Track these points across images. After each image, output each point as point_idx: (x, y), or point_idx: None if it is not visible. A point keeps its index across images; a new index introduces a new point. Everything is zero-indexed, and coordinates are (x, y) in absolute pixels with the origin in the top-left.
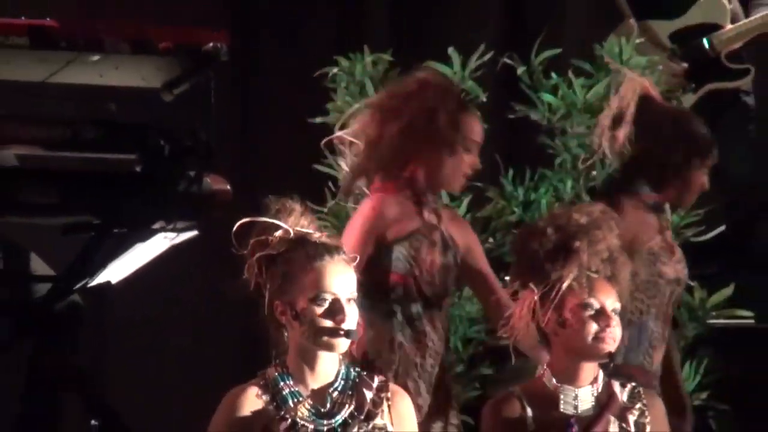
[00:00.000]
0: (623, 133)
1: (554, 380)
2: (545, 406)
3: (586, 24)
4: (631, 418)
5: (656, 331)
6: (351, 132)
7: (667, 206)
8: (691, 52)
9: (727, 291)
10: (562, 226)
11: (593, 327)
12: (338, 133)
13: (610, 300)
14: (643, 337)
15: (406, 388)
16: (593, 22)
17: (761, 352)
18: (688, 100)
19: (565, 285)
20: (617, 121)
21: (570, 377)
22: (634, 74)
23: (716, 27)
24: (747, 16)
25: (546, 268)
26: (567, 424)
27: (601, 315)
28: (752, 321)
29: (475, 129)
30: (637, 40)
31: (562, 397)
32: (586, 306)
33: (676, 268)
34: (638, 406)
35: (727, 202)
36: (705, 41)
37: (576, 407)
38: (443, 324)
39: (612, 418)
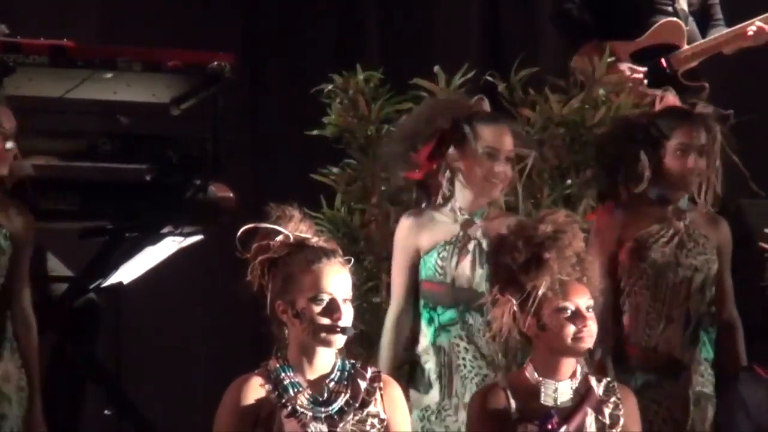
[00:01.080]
0: None
1: (536, 374)
2: (527, 398)
3: (560, 44)
4: (607, 411)
5: (652, 313)
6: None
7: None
8: (651, 70)
9: None
10: (530, 237)
11: (571, 329)
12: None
13: (583, 300)
14: (640, 317)
15: None
16: (567, 43)
17: None
18: None
19: (539, 294)
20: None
21: (551, 371)
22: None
23: (674, 47)
24: (704, 36)
25: (520, 279)
26: (547, 414)
27: (577, 316)
28: None
29: (492, 136)
30: (609, 59)
31: (543, 389)
32: (562, 310)
33: (675, 253)
34: (613, 399)
35: None
36: (663, 60)
37: (556, 399)
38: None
39: (589, 410)
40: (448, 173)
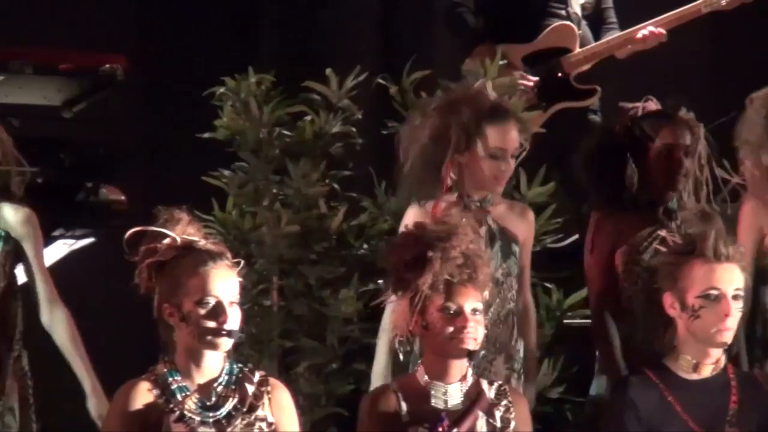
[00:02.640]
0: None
1: (426, 377)
2: (418, 401)
3: (453, 47)
4: (498, 414)
5: (649, 315)
6: None
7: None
8: (543, 73)
9: (582, 293)
10: (419, 237)
11: (450, 328)
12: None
13: (468, 301)
14: (638, 322)
15: None
16: (459, 45)
17: None
18: (541, 118)
19: (423, 292)
20: None
21: (441, 374)
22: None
23: (566, 50)
24: (596, 39)
25: (407, 278)
26: (438, 417)
27: (458, 316)
28: None
29: (499, 137)
30: (501, 62)
31: (433, 392)
32: (444, 309)
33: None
34: (504, 402)
35: (578, 212)
36: (555, 64)
37: (446, 402)
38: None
39: (480, 413)
40: (452, 172)
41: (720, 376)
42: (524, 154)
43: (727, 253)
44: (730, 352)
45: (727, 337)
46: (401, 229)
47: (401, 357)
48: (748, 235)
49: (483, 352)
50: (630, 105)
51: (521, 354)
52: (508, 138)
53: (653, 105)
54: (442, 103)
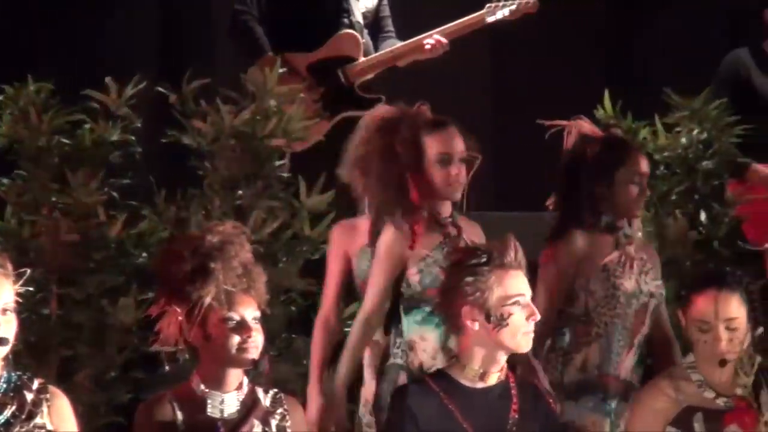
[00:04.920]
0: None
1: (203, 386)
2: (194, 410)
3: (234, 57)
4: (273, 422)
5: (621, 341)
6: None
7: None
8: (328, 82)
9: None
10: (197, 248)
11: (236, 339)
12: None
13: (249, 311)
14: (613, 347)
15: None
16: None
17: None
18: (325, 126)
19: (205, 304)
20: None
21: (217, 383)
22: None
23: (350, 59)
24: (376, 49)
25: (187, 290)
26: (214, 427)
27: (242, 327)
28: None
29: (442, 143)
30: (280, 70)
31: (209, 401)
32: (227, 320)
33: (637, 279)
34: (280, 410)
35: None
36: (340, 72)
37: (222, 411)
38: None
39: (256, 422)
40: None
41: (502, 384)
42: (477, 164)
43: (519, 260)
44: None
45: (531, 340)
46: (380, 250)
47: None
48: None
49: (265, 360)
50: (562, 123)
51: None
52: (452, 143)
53: (587, 126)
54: (381, 124)
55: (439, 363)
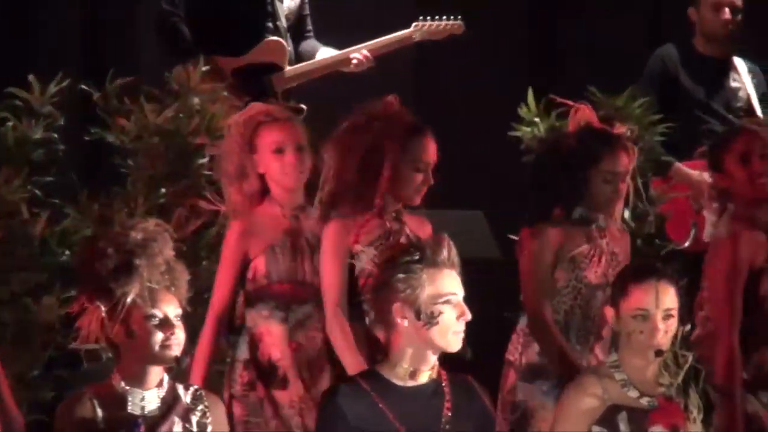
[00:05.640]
0: None
1: (123, 383)
2: (115, 407)
3: (159, 56)
4: (194, 419)
5: (583, 331)
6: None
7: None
8: (253, 87)
9: None
10: (121, 245)
11: (159, 336)
12: None
13: (171, 308)
14: (571, 335)
15: None
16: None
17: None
18: None
19: (128, 301)
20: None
21: (138, 380)
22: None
23: (276, 66)
24: (296, 49)
25: (110, 287)
26: (134, 423)
27: (165, 324)
28: None
29: (423, 151)
30: (204, 68)
31: (129, 398)
32: (150, 317)
33: (605, 273)
34: (200, 407)
35: None
36: (266, 80)
37: (143, 408)
38: None
39: (177, 419)
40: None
41: (434, 382)
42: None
43: (453, 259)
44: None
45: (461, 340)
46: (325, 245)
47: None
48: None
49: (187, 358)
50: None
51: None
52: (429, 151)
53: (588, 111)
54: (367, 119)
55: None
